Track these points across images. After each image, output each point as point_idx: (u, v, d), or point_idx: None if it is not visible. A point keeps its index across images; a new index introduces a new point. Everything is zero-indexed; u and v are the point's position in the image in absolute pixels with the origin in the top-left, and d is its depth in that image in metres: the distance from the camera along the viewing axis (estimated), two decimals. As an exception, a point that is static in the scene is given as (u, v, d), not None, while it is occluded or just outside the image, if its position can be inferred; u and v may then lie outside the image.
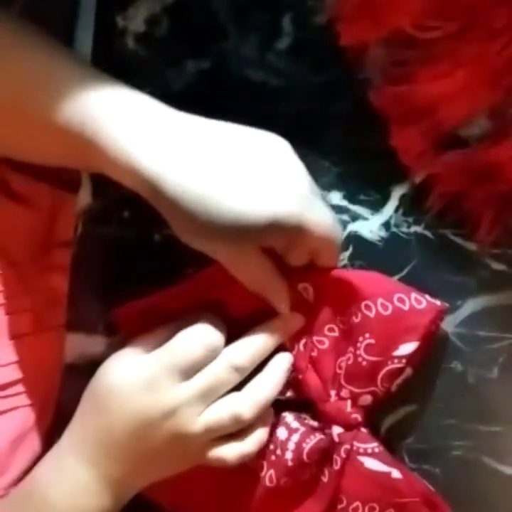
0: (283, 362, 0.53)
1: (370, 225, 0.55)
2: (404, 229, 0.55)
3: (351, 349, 0.52)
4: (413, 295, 0.51)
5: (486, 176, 0.52)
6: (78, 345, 0.58)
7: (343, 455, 0.52)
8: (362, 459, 0.52)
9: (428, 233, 0.54)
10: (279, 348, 0.53)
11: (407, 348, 0.51)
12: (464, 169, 0.53)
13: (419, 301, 0.51)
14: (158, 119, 0.48)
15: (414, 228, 0.55)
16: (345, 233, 0.55)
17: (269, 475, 0.52)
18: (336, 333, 0.53)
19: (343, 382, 0.52)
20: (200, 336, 0.50)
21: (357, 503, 0.52)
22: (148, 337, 0.52)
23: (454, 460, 0.54)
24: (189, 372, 0.49)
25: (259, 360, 0.52)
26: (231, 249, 0.49)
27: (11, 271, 0.58)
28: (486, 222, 0.53)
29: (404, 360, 0.51)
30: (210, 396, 0.50)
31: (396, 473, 0.51)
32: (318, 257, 0.52)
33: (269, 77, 0.56)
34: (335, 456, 0.52)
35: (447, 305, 0.52)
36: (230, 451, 0.50)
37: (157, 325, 0.53)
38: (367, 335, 0.51)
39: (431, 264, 0.54)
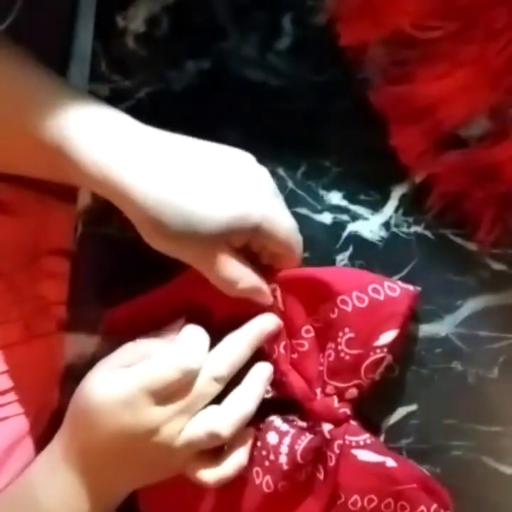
0: (263, 373, 0.52)
1: (370, 225, 0.55)
2: (404, 229, 0.55)
3: (331, 345, 0.52)
4: (386, 283, 0.51)
5: (486, 175, 0.52)
6: (78, 345, 0.58)
7: (337, 451, 0.52)
8: (355, 452, 0.52)
9: (428, 233, 0.54)
10: (258, 352, 0.53)
11: (388, 336, 0.51)
12: (464, 169, 0.53)
13: (393, 289, 0.51)
14: (127, 134, 0.50)
15: (414, 228, 0.55)
16: (345, 233, 0.55)
17: (265, 481, 0.52)
18: (313, 334, 0.53)
19: (326, 378, 0.52)
20: (176, 360, 0.50)
21: (355, 497, 0.52)
22: (128, 349, 0.52)
23: (454, 460, 0.54)
24: (163, 394, 0.49)
25: (239, 367, 0.52)
26: (197, 252, 0.50)
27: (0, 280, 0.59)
28: (486, 222, 0.53)
29: (385, 349, 0.51)
30: (191, 410, 0.50)
31: (390, 462, 0.51)
32: (278, 260, 0.53)
33: (269, 77, 0.56)
34: (329, 453, 0.52)
35: (419, 289, 0.52)
36: (209, 475, 0.51)
37: (143, 328, 0.53)
38: (346, 329, 0.51)
39: (431, 264, 0.54)
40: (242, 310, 0.53)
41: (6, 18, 0.55)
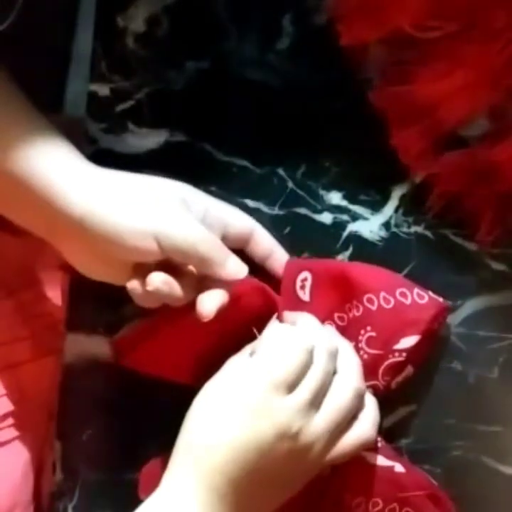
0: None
1: (370, 225, 0.55)
2: (405, 229, 0.55)
3: (353, 342, 0.52)
4: (416, 290, 0.52)
5: (486, 175, 0.52)
6: (78, 345, 0.58)
7: None
8: (364, 453, 0.52)
9: (428, 233, 0.54)
10: None
11: (408, 341, 0.51)
12: (463, 169, 0.53)
13: (421, 297, 0.51)
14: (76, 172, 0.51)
15: (414, 228, 0.55)
16: (345, 233, 0.55)
17: None
18: (335, 329, 0.53)
19: None
20: (295, 341, 0.49)
21: (360, 499, 0.52)
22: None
23: (454, 460, 0.54)
24: (290, 382, 0.48)
25: None
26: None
27: (8, 301, 0.59)
28: (486, 222, 0.53)
29: (404, 354, 0.51)
30: (321, 394, 0.49)
31: (399, 467, 0.52)
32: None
33: (269, 77, 0.56)
34: None
35: (450, 303, 0.52)
36: (352, 438, 0.50)
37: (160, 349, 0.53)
38: (368, 328, 0.51)
39: (431, 264, 0.54)
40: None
41: (6, 18, 0.55)
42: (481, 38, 0.50)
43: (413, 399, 0.54)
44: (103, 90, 0.57)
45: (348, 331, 0.53)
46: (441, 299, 0.52)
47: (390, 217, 0.55)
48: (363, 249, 0.55)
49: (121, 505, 0.54)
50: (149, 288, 0.50)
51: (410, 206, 0.55)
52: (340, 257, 0.55)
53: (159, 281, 0.50)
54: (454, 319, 0.54)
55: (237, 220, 0.54)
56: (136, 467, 0.56)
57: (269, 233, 0.55)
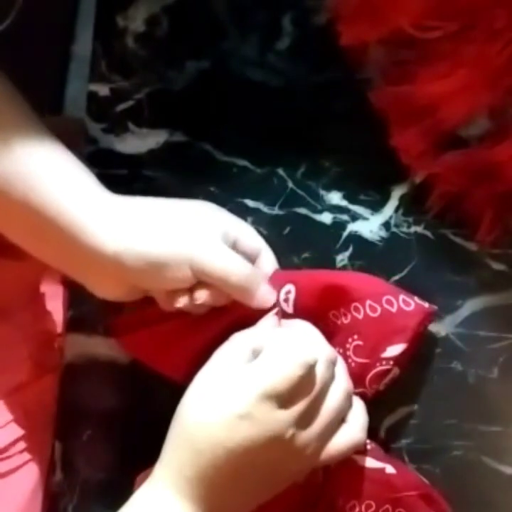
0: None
1: (370, 225, 0.55)
2: (404, 229, 0.55)
3: (340, 350, 0.52)
4: (401, 297, 0.51)
5: (486, 175, 0.52)
6: (78, 345, 0.58)
7: None
8: (355, 457, 0.52)
9: (428, 233, 0.54)
10: None
11: (395, 349, 0.51)
12: (463, 169, 0.53)
13: (407, 303, 0.51)
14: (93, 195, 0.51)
15: (414, 228, 0.55)
16: (346, 233, 0.55)
17: None
18: None
19: None
20: (296, 356, 0.48)
21: (353, 502, 0.52)
22: (227, 358, 0.50)
23: (454, 460, 0.54)
24: (287, 396, 0.47)
25: None
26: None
27: (5, 325, 0.59)
28: (486, 222, 0.53)
29: (391, 362, 0.51)
30: (319, 404, 0.49)
31: (390, 469, 0.51)
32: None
33: (269, 77, 0.56)
34: None
35: (436, 307, 0.52)
36: (342, 441, 0.50)
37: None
38: (355, 336, 0.51)
39: (431, 264, 0.54)
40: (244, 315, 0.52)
41: (6, 18, 0.55)
42: (481, 38, 0.50)
43: (413, 399, 0.54)
44: (103, 90, 0.57)
45: (337, 338, 0.52)
46: (426, 305, 0.52)
47: (390, 217, 0.55)
48: (363, 249, 0.55)
49: (121, 505, 0.53)
50: (198, 302, 0.51)
51: (410, 206, 0.55)
52: (340, 257, 0.55)
53: (205, 295, 0.51)
54: (454, 319, 0.54)
55: (248, 238, 0.54)
56: (136, 467, 0.56)
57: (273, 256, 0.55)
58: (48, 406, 0.59)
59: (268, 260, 0.54)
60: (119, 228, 0.50)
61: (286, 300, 0.53)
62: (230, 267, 0.50)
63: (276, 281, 0.53)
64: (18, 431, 0.59)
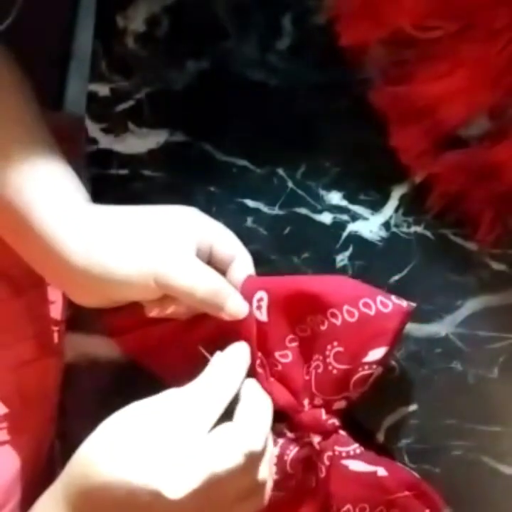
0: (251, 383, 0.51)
1: (370, 225, 0.55)
2: (404, 229, 0.55)
3: (319, 357, 0.51)
4: (379, 298, 0.50)
5: (486, 175, 0.52)
6: (78, 345, 0.58)
7: (327, 462, 0.51)
8: (346, 462, 0.51)
9: (428, 233, 0.54)
10: None
11: (377, 353, 0.50)
12: (464, 169, 0.53)
13: (385, 304, 0.50)
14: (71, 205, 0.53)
15: (414, 228, 0.55)
16: (345, 233, 0.55)
17: None
18: (297, 343, 0.53)
19: (314, 390, 0.52)
20: (239, 443, 0.46)
21: (348, 507, 0.51)
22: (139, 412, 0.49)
23: (454, 460, 0.54)
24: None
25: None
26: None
27: (17, 300, 0.60)
28: (486, 222, 0.53)
29: (374, 366, 0.50)
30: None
31: (381, 471, 0.51)
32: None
33: (269, 77, 0.56)
34: (319, 465, 0.52)
35: (414, 305, 0.51)
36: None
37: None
38: (335, 343, 0.51)
39: (431, 264, 0.54)
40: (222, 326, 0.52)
41: (6, 18, 0.55)
42: (481, 38, 0.50)
43: (413, 399, 0.54)
44: (103, 90, 0.57)
45: (314, 345, 0.52)
46: (404, 303, 0.51)
47: (390, 217, 0.55)
48: (362, 249, 0.55)
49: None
50: (167, 312, 0.52)
51: (410, 206, 0.55)
52: (340, 257, 0.55)
53: (173, 307, 0.52)
54: (454, 319, 0.54)
55: (223, 245, 0.53)
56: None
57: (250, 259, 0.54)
58: (47, 388, 0.59)
59: (241, 266, 0.53)
60: (89, 242, 0.51)
61: (259, 308, 0.52)
62: (195, 283, 0.50)
63: (247, 289, 0.52)
64: (9, 407, 0.59)
